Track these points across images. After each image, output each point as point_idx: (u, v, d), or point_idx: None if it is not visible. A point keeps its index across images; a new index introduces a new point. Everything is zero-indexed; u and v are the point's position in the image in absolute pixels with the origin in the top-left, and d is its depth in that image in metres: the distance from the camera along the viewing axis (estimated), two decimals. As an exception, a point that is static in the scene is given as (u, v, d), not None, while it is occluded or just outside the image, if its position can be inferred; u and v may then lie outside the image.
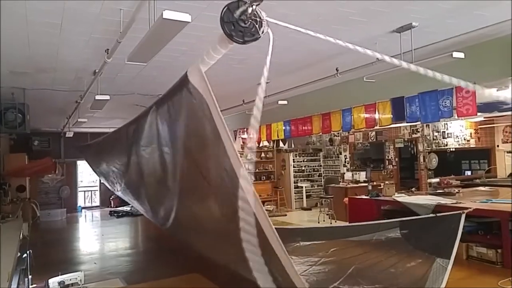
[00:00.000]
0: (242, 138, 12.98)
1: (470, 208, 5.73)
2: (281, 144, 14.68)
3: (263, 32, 1.24)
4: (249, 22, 1.22)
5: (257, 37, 1.25)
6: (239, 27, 1.22)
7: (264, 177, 15.10)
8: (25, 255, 4.97)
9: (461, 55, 5.05)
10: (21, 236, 5.01)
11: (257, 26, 1.24)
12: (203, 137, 2.11)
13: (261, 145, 14.70)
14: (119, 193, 6.07)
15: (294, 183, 14.79)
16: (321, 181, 15.03)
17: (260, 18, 1.23)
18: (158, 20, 3.30)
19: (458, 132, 12.68)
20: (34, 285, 5.57)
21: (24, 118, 7.83)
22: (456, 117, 6.62)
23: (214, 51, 1.43)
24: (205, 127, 2.00)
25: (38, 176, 14.77)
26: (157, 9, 3.71)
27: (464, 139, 12.84)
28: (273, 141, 13.94)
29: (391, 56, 5.63)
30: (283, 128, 10.38)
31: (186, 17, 3.24)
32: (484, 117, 10.96)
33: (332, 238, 6.10)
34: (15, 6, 4.08)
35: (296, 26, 1.34)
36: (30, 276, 5.29)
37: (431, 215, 6.11)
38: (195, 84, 1.84)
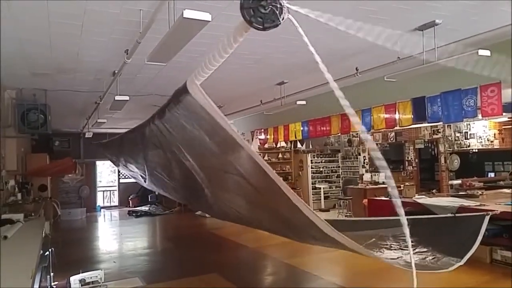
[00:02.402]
0: (259, 139, 12.93)
1: (496, 210, 5.42)
2: (298, 145, 14.60)
3: (283, 18, 1.23)
4: (269, 8, 1.22)
5: (277, 24, 1.24)
6: (259, 13, 1.21)
7: (281, 178, 15.01)
8: (47, 253, 5.03)
9: (487, 52, 4.90)
10: (43, 234, 5.07)
11: (277, 12, 1.23)
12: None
13: (278, 145, 14.64)
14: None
15: (312, 184, 14.68)
16: (339, 182, 14.89)
17: (280, 4, 1.23)
18: (178, 20, 3.30)
19: (481, 132, 12.39)
20: (56, 283, 5.66)
21: (46, 118, 7.94)
22: (481, 117, 6.46)
23: (228, 44, 1.41)
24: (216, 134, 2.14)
25: (59, 176, 14.98)
26: (176, 9, 3.71)
27: (488, 140, 12.54)
28: (291, 141, 13.87)
29: (414, 55, 5.50)
30: (301, 128, 10.30)
31: (206, 16, 3.23)
32: (509, 117, 10.71)
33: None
34: (37, 8, 4.13)
35: (317, 14, 1.31)
36: (52, 274, 5.37)
37: (450, 215, 5.82)
38: (195, 96, 1.85)
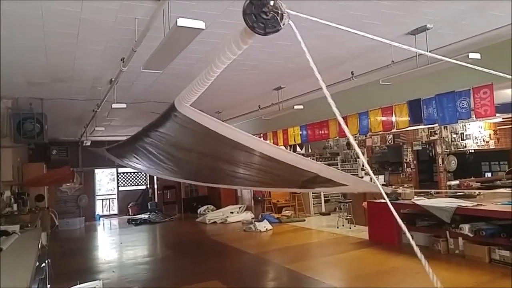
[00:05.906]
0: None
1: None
2: (298, 149, 14.58)
3: (283, 24, 1.30)
4: (271, 15, 1.28)
5: (278, 29, 1.31)
6: (261, 19, 1.25)
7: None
8: (43, 264, 4.98)
9: (477, 56, 4.96)
10: (39, 245, 5.03)
11: (278, 18, 1.29)
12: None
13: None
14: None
15: (312, 188, 14.63)
16: (339, 186, 14.85)
17: (281, 10, 1.29)
18: (172, 28, 3.31)
19: (477, 133, 12.45)
20: (53, 295, 5.59)
21: (42, 128, 7.93)
22: (474, 118, 6.50)
23: (229, 50, 1.44)
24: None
25: (57, 185, 14.92)
26: (171, 17, 3.73)
27: (483, 140, 12.58)
28: (290, 146, 13.86)
29: (407, 59, 5.57)
30: (300, 132, 10.33)
31: (200, 24, 3.25)
32: (503, 118, 10.74)
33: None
34: (32, 17, 4.14)
35: (317, 19, 1.37)
36: (48, 286, 5.29)
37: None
38: (186, 114, 1.90)
